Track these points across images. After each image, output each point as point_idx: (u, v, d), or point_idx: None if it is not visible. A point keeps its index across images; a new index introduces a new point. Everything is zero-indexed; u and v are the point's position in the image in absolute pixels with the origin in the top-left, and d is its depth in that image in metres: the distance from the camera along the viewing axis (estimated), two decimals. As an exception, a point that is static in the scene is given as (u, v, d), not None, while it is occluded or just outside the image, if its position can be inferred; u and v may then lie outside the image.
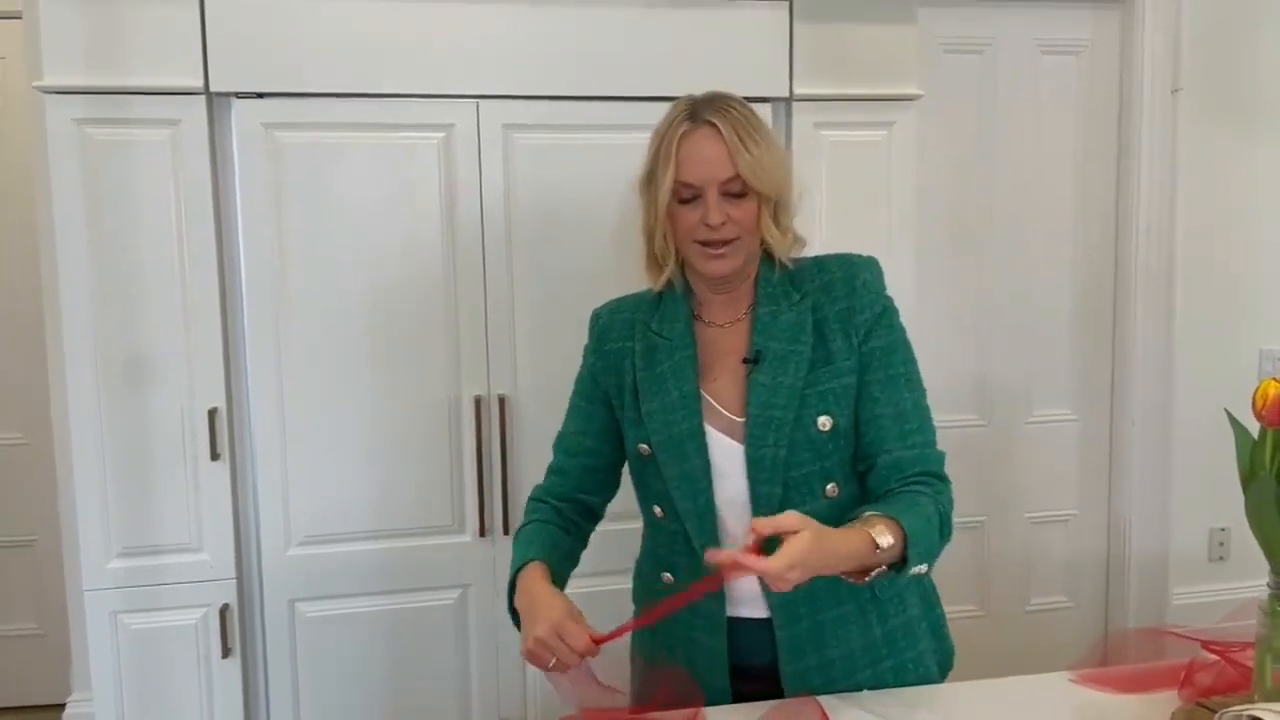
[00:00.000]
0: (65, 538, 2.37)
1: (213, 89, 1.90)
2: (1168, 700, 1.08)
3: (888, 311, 1.21)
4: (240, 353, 1.98)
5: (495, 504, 2.08)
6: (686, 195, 1.16)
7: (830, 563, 1.00)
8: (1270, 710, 0.89)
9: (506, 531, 2.08)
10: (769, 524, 0.98)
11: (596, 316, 1.34)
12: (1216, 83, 2.69)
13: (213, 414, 1.95)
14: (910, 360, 1.21)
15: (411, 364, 2.03)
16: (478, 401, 2.05)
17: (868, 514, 1.08)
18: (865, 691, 1.15)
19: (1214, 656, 1.13)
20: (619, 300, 1.33)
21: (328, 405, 2.00)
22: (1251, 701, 0.96)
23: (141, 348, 1.92)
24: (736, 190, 1.15)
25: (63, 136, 1.86)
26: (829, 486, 1.18)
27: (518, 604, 1.17)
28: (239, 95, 1.92)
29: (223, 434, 1.96)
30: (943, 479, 1.17)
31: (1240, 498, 2.98)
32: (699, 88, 1.97)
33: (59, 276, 1.90)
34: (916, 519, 1.07)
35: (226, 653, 2.00)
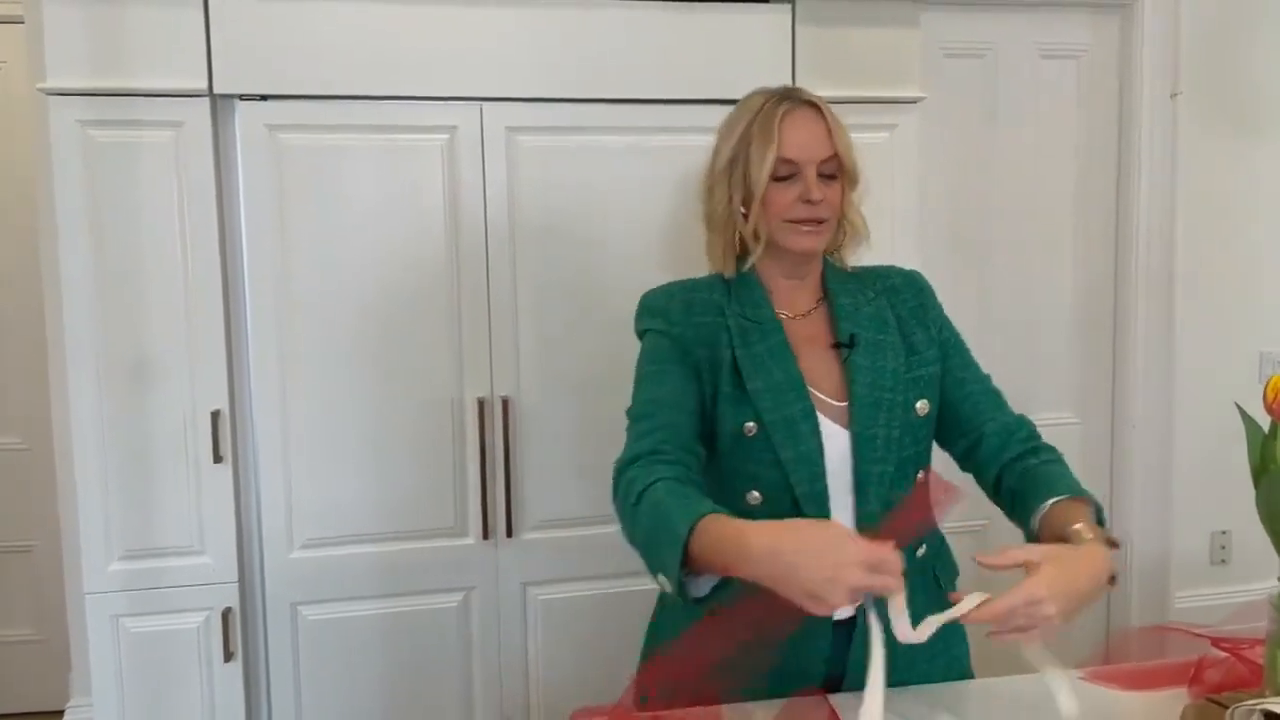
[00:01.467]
0: (65, 541, 2.36)
1: (217, 91, 1.90)
2: (1176, 697, 1.07)
3: (942, 309, 1.31)
4: (243, 354, 1.98)
5: (498, 506, 2.07)
6: (784, 173, 1.18)
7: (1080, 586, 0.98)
8: (1283, 704, 0.89)
9: (510, 534, 2.08)
10: (1011, 558, 0.97)
11: (664, 295, 1.24)
12: (1215, 87, 2.70)
13: (215, 416, 1.94)
14: (968, 348, 1.30)
15: (414, 365, 2.03)
16: (481, 403, 2.04)
17: (1051, 505, 1.10)
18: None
19: (1223, 653, 1.13)
20: (678, 282, 1.27)
21: (330, 407, 2.00)
22: (1263, 697, 0.96)
23: (144, 349, 1.92)
24: (830, 171, 1.20)
25: (66, 138, 1.86)
26: (920, 472, 1.22)
27: (757, 549, 0.93)
28: (243, 97, 1.92)
29: (225, 436, 1.95)
30: (1049, 444, 1.23)
31: (1242, 500, 2.97)
32: (702, 91, 2.01)
33: (61, 279, 1.90)
34: (1090, 494, 1.13)
35: (229, 656, 1.99)
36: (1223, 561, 2.79)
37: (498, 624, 2.11)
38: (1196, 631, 1.19)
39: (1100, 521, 1.10)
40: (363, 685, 2.07)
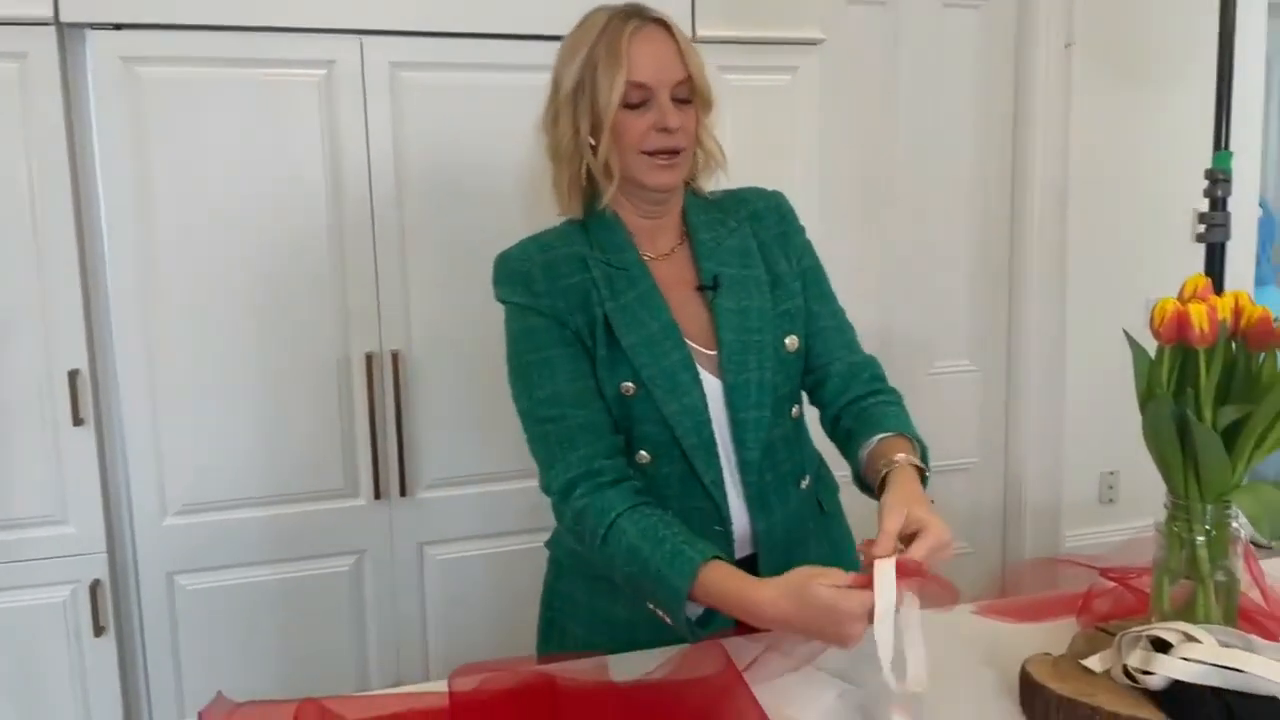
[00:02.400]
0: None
1: (64, 19, 1.73)
2: (1067, 627, 1.08)
3: (806, 236, 1.25)
4: (103, 310, 1.83)
5: (391, 466, 1.98)
6: (635, 99, 1.09)
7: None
8: (1170, 630, 0.89)
9: (404, 493, 1.99)
10: (890, 536, 0.93)
11: (522, 259, 1.14)
12: (1108, 38, 2.74)
13: (73, 375, 1.79)
14: (828, 280, 1.25)
15: (296, 319, 1.91)
16: (369, 358, 1.94)
17: (877, 441, 1.09)
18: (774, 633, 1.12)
19: (1111, 583, 1.14)
20: (533, 239, 1.17)
21: (203, 364, 1.87)
22: (1150, 623, 0.96)
23: (-10, 305, 1.75)
24: (683, 95, 1.11)
25: (-113, 69, 1.67)
26: (794, 408, 1.19)
27: (768, 618, 0.95)
28: (94, 26, 1.75)
29: (86, 397, 1.81)
30: (890, 386, 1.21)
31: (1129, 442, 3.07)
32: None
33: (-109, 227, 1.72)
34: (916, 435, 1.12)
35: (99, 631, 1.86)
36: (1111, 501, 2.90)
37: (392, 586, 2.03)
38: (1085, 563, 1.20)
39: (924, 459, 1.09)
40: (250, 655, 1.96)
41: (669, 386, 1.09)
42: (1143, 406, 0.94)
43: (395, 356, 1.96)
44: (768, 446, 1.14)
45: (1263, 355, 0.90)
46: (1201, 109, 2.63)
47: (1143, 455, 2.94)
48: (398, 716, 0.96)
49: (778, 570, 0.98)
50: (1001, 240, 2.84)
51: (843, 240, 2.58)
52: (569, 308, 1.11)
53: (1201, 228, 2.09)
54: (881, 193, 2.68)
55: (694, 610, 1.01)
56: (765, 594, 0.94)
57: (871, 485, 1.08)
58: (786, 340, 1.15)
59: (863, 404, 1.16)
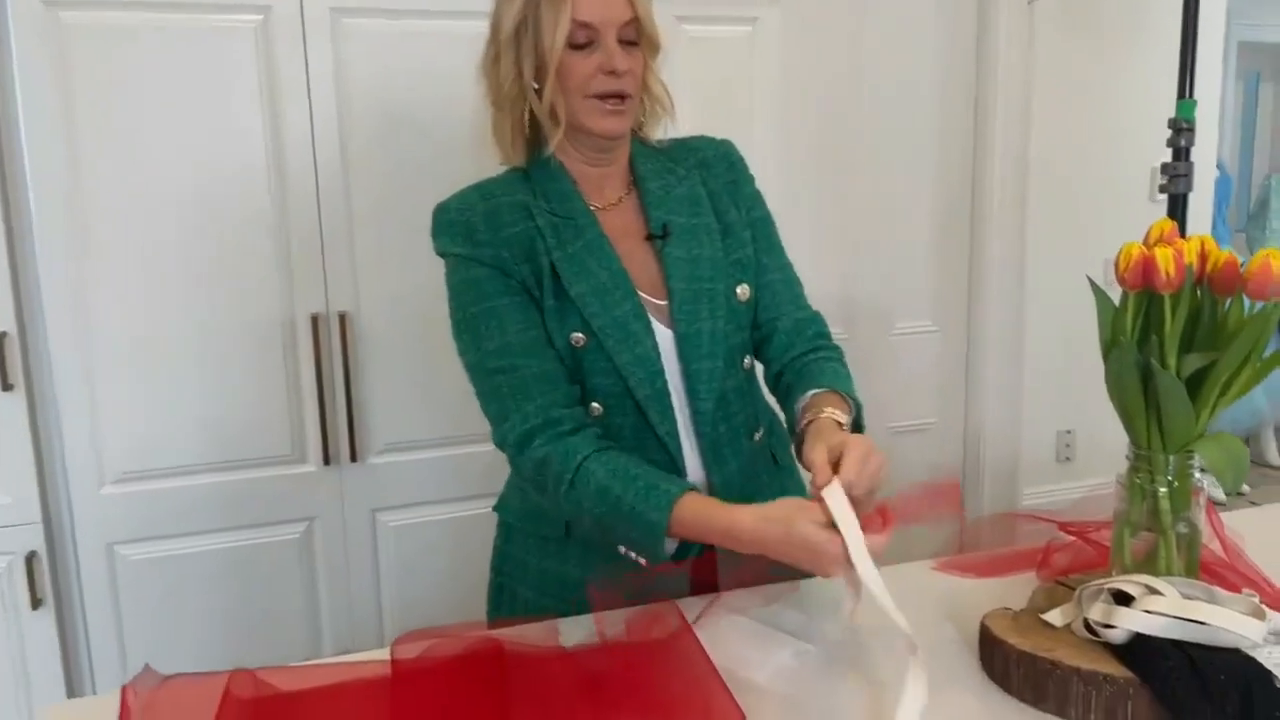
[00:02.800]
0: None
1: (-24, -42, 1.62)
2: (1027, 581, 1.06)
3: (756, 186, 1.21)
4: (30, 270, 1.74)
5: (340, 430, 1.92)
6: (581, 40, 1.03)
7: None
8: (1131, 582, 0.87)
9: (354, 459, 1.93)
10: (824, 469, 0.91)
11: (462, 208, 1.08)
12: (1071, -6, 2.71)
13: (1, 338, 1.71)
14: (778, 232, 1.21)
15: (236, 279, 1.83)
16: (315, 319, 1.87)
17: (810, 397, 1.06)
18: (737, 591, 1.09)
19: (1070, 537, 1.12)
20: (473, 188, 1.10)
21: (139, 327, 1.79)
22: (1110, 576, 0.95)
23: (-94, 264, 1.66)
24: (630, 37, 1.05)
25: None
26: (746, 359, 1.15)
27: (747, 544, 0.92)
28: (9, -34, 1.65)
29: (14, 361, 1.72)
30: (834, 344, 1.18)
31: (1085, 401, 3.09)
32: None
33: None
34: (852, 394, 1.09)
35: (37, 604, 1.79)
36: (1067, 459, 2.92)
37: (345, 553, 1.98)
38: (1044, 517, 1.19)
39: (858, 419, 1.07)
40: (197, 627, 1.91)
41: (621, 336, 1.05)
42: (1106, 355, 0.92)
43: (343, 318, 1.89)
44: (721, 397, 1.11)
45: (1228, 301, 0.88)
46: (1163, 66, 2.62)
47: (1099, 414, 2.93)
48: (338, 687, 0.92)
49: None
50: (963, 201, 2.82)
51: (803, 200, 2.54)
52: (513, 257, 1.06)
53: (1164, 179, 2.07)
54: (842, 152, 2.63)
55: (669, 547, 1.00)
56: (747, 519, 0.92)
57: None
58: (738, 289, 1.12)
59: (804, 360, 1.13)
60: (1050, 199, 2.79)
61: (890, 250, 2.73)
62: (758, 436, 1.17)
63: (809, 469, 0.93)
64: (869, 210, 2.69)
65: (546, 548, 1.15)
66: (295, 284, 1.86)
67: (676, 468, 1.09)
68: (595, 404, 1.07)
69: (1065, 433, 2.91)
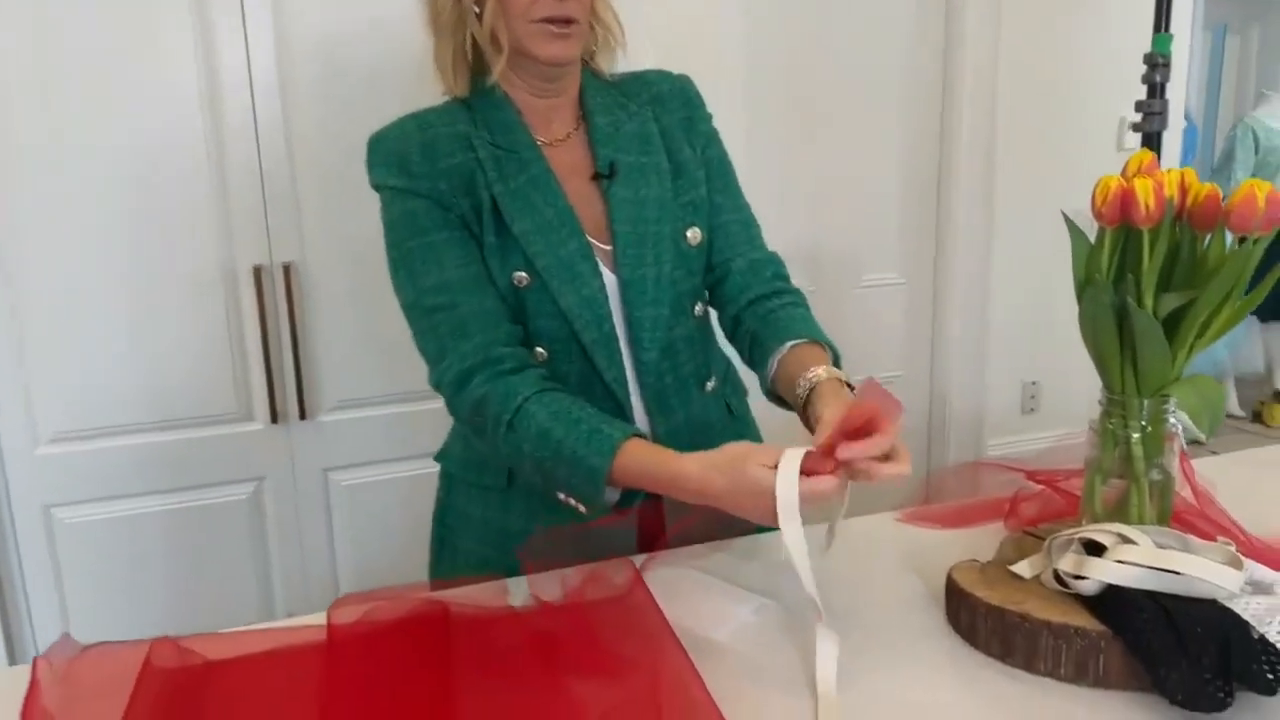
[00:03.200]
0: None
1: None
2: (994, 532, 1.03)
3: (713, 125, 1.13)
4: (-52, 217, 1.63)
5: (288, 387, 1.85)
6: None
7: None
8: (1103, 531, 0.83)
9: (303, 416, 1.86)
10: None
11: (397, 138, 1.01)
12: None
13: (-83, 292, 1.61)
14: (735, 173, 1.14)
15: (173, 230, 1.74)
16: (257, 271, 1.78)
17: (789, 349, 1.00)
18: (695, 546, 1.05)
19: (1039, 486, 1.09)
20: (410, 117, 1.03)
21: (71, 280, 1.70)
22: (1081, 526, 0.91)
23: None
24: None
25: None
26: (697, 306, 1.09)
27: (691, 492, 0.86)
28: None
29: (-66, 316, 1.63)
30: (794, 287, 1.12)
31: (1050, 353, 3.07)
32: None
33: None
34: (829, 340, 1.03)
35: (-30, 571, 1.72)
36: (1032, 410, 2.91)
37: (296, 514, 1.92)
38: (1012, 466, 1.15)
39: (836, 364, 1.01)
40: (142, 591, 1.84)
41: (566, 277, 0.99)
42: (1079, 295, 0.87)
43: (287, 269, 1.80)
44: (667, 347, 1.05)
45: (1208, 237, 0.84)
46: (1133, 11, 2.58)
47: (1064, 365, 2.93)
48: (271, 654, 0.87)
49: None
50: (930, 152, 2.77)
51: (770, 151, 2.48)
52: (451, 190, 0.99)
53: (1138, 116, 2.03)
54: (809, 100, 2.57)
55: (610, 496, 0.94)
56: (693, 467, 0.85)
57: (787, 398, 1.00)
58: (688, 233, 1.05)
59: (767, 305, 1.08)
60: (1018, 148, 2.75)
61: (857, 201, 2.69)
62: (709, 386, 1.12)
63: (815, 427, 0.86)
64: (836, 160, 2.63)
65: (489, 498, 1.09)
66: (235, 234, 1.77)
67: (624, 416, 1.04)
68: (540, 348, 1.02)
69: (1030, 384, 2.90)
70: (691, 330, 1.08)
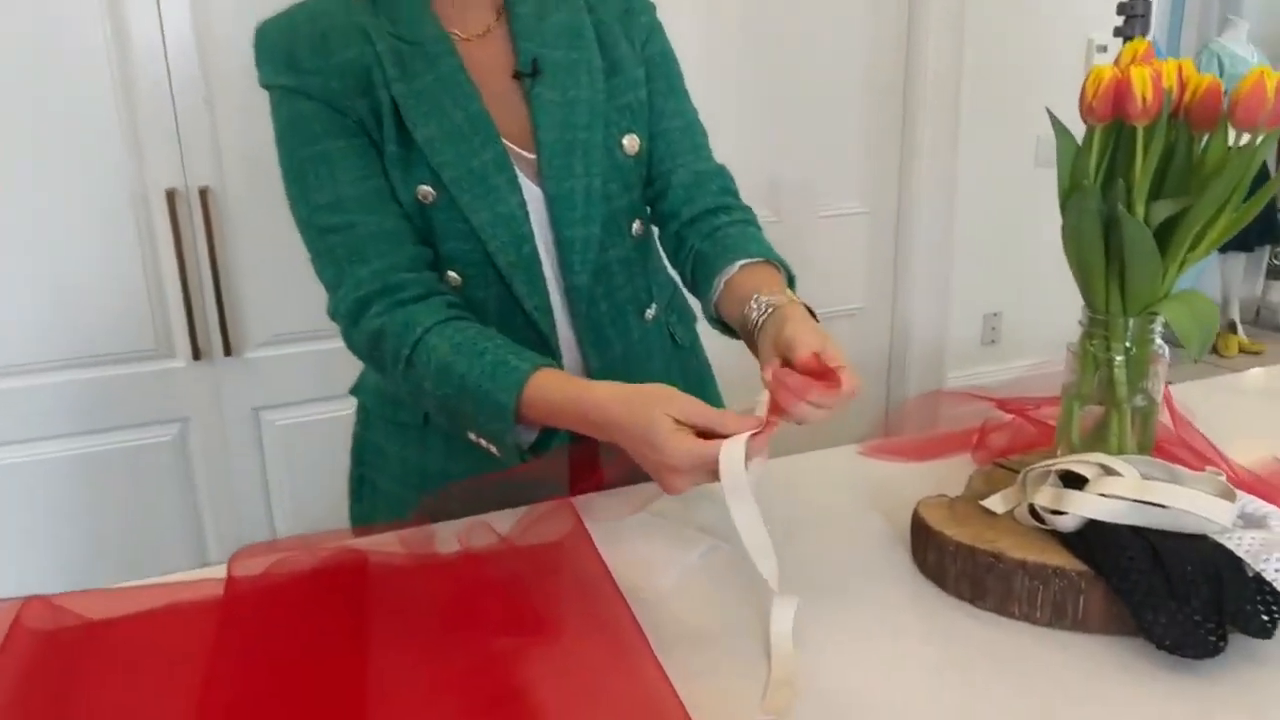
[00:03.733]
0: None
1: None
2: (962, 465, 0.96)
3: (657, 17, 1.01)
4: None
5: (210, 321, 1.72)
6: None
7: None
8: (1083, 462, 0.76)
9: (228, 352, 1.74)
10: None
11: (284, 30, 0.88)
12: None
13: None
14: (681, 74, 1.01)
15: (76, 152, 1.59)
16: (171, 195, 1.64)
17: (739, 269, 0.89)
18: (641, 485, 0.96)
19: (1009, 416, 1.02)
20: (300, 6, 0.90)
21: (-42, 202, 1.54)
22: (1054, 456, 0.84)
23: None
24: None
25: None
26: (635, 224, 0.98)
27: (596, 424, 0.75)
28: None
29: None
30: (744, 203, 1.00)
31: (1012, 283, 3.02)
32: None
33: None
34: (781, 259, 0.92)
35: None
36: (993, 342, 2.87)
37: (226, 457, 1.81)
38: (980, 395, 1.08)
39: (791, 288, 0.91)
40: (61, 540, 1.73)
41: (479, 191, 0.87)
42: (1063, 204, 0.79)
43: (204, 193, 1.66)
44: (600, 270, 0.94)
45: (1207, 136, 0.75)
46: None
47: (1026, 297, 2.86)
48: (163, 611, 0.77)
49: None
50: (896, 77, 2.67)
51: (730, 75, 2.35)
52: (345, 90, 0.86)
53: (1119, 20, 1.93)
54: (771, 24, 2.44)
55: (526, 437, 0.83)
56: (602, 394, 0.75)
57: (732, 323, 0.89)
58: (624, 140, 0.93)
59: (713, 223, 0.97)
60: (984, 73, 2.66)
61: (820, 128, 2.58)
62: (650, 314, 1.01)
63: (782, 355, 0.76)
64: (798, 86, 2.51)
65: (406, 436, 0.99)
66: (145, 156, 1.63)
67: (549, 347, 0.94)
68: (452, 273, 0.90)
69: (992, 315, 2.85)
70: (628, 251, 0.97)
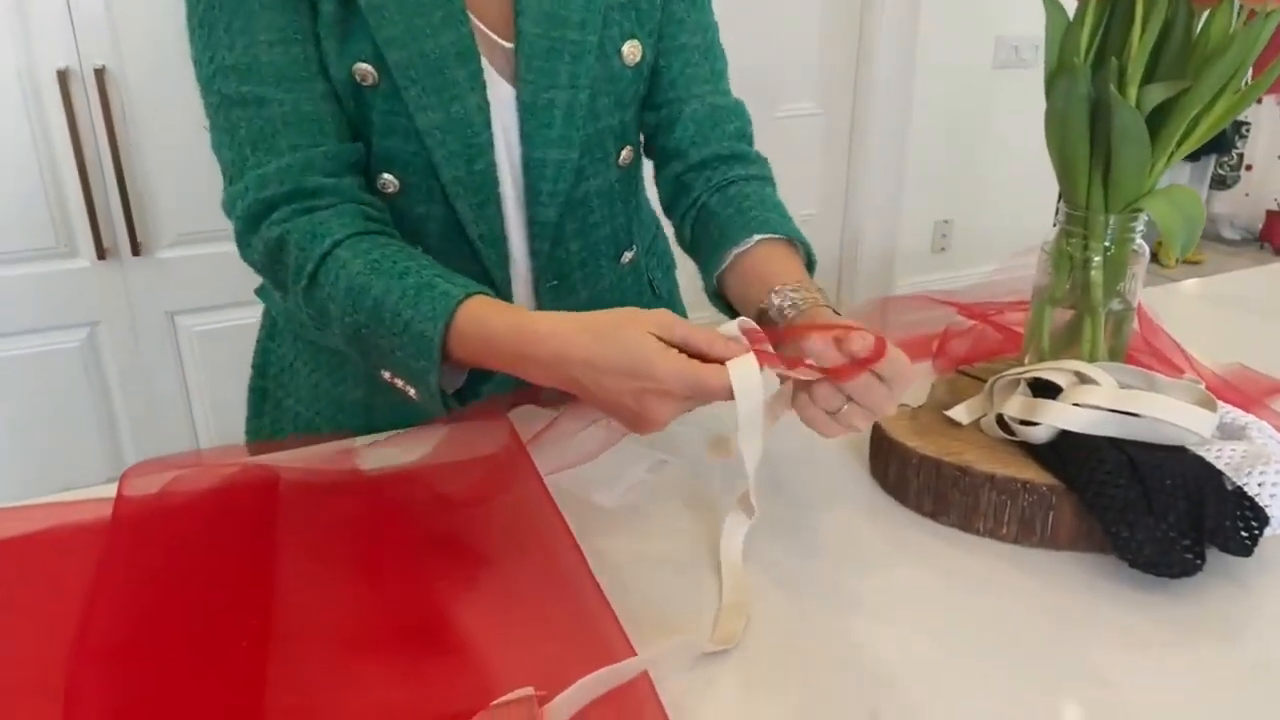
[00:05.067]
0: None
1: None
2: (922, 373, 0.91)
3: None
4: None
5: (114, 217, 1.58)
6: None
7: None
8: (1057, 370, 0.71)
9: (136, 252, 1.61)
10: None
11: None
12: None
13: None
14: None
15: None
16: (62, 76, 1.48)
17: (755, 244, 0.76)
18: (599, 422, 0.87)
19: (971, 321, 0.97)
20: None
21: None
22: (1022, 364, 0.79)
23: None
24: None
25: None
26: (624, 151, 0.83)
27: (545, 355, 0.60)
28: None
29: None
30: (758, 152, 0.85)
31: (963, 191, 2.95)
32: None
33: None
34: (801, 236, 0.78)
35: None
36: (943, 249, 2.83)
37: (143, 363, 1.69)
38: (942, 299, 1.02)
39: (809, 264, 0.78)
40: (-38, 453, 1.62)
41: (432, 83, 0.71)
42: (1049, 86, 0.71)
43: (100, 74, 1.50)
44: (574, 203, 0.80)
45: (1207, 13, 0.68)
46: None
47: (978, 204, 2.81)
48: (42, 535, 0.69)
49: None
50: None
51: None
52: None
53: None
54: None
55: (452, 379, 0.69)
56: (554, 322, 0.61)
57: (736, 305, 0.78)
58: (624, 46, 0.78)
59: (726, 173, 0.82)
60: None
61: (775, 25, 2.46)
62: (627, 258, 0.88)
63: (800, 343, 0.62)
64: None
65: (319, 358, 0.86)
66: (31, 30, 1.46)
67: (496, 288, 0.79)
68: (389, 175, 0.75)
69: (943, 222, 2.81)
70: (611, 182, 0.82)
